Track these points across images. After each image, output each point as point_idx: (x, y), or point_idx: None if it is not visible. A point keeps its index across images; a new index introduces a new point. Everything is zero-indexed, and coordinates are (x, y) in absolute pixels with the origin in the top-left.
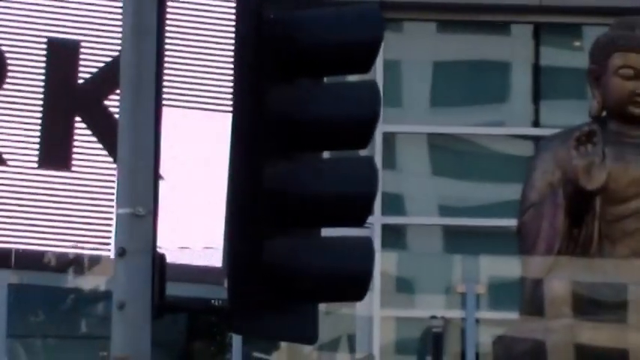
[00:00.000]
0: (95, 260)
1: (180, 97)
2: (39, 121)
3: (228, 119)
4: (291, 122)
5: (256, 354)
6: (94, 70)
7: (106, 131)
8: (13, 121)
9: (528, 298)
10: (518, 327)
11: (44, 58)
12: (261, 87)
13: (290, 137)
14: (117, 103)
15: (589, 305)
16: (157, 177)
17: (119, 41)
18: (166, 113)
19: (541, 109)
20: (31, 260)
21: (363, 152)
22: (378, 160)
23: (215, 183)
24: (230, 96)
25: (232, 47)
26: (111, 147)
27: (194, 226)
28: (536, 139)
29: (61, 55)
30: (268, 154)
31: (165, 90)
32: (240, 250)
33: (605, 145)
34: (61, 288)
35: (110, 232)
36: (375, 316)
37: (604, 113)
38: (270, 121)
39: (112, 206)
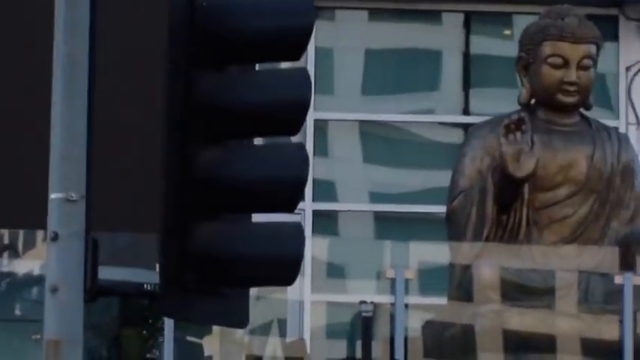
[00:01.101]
0: (30, 244)
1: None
2: None
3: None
4: (222, 109)
5: (189, 338)
6: None
7: None
8: None
9: (457, 283)
10: (446, 312)
11: None
12: (192, 74)
13: (221, 124)
14: None
15: (517, 291)
16: (90, 162)
17: None
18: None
19: (471, 97)
20: None
21: (294, 139)
22: (310, 147)
23: (148, 168)
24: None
25: (165, 34)
26: None
27: (127, 211)
28: (465, 127)
29: None
30: (199, 140)
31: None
32: (171, 236)
33: (534, 132)
34: None
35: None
36: (305, 301)
37: (533, 101)
38: (201, 109)
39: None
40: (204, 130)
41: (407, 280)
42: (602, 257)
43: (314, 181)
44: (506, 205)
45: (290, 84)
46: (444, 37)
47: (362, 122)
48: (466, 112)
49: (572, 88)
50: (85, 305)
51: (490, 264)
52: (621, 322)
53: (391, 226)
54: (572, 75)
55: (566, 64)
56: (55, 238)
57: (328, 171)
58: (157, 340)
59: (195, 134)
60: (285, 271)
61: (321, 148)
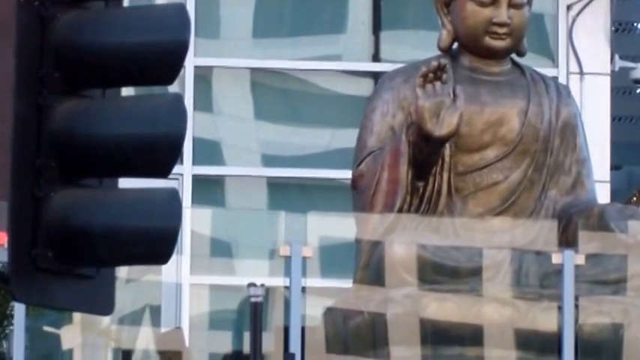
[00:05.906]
0: None
1: None
2: None
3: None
4: (82, 52)
5: (45, 328)
6: None
7: None
8: None
9: (364, 263)
10: (352, 297)
11: None
12: (48, 10)
13: (81, 70)
14: None
15: (436, 272)
16: None
17: None
18: None
19: (382, 40)
20: None
21: (170, 89)
22: (189, 99)
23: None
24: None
25: None
26: None
27: None
28: (375, 76)
29: None
30: (55, 90)
31: None
32: (21, 206)
33: (457, 83)
34: None
35: None
36: (184, 284)
37: (455, 46)
38: (57, 51)
39: None
40: (61, 78)
41: (305, 259)
42: (538, 232)
43: (194, 140)
44: (423, 169)
45: (164, 23)
46: None
47: (253, 70)
48: (376, 58)
49: (502, 30)
50: None
51: (404, 240)
52: (560, 309)
53: (287, 195)
54: (503, 14)
55: (495, 1)
56: None
57: (212, 128)
58: (4, 330)
59: (50, 82)
60: (158, 247)
61: (204, 101)
